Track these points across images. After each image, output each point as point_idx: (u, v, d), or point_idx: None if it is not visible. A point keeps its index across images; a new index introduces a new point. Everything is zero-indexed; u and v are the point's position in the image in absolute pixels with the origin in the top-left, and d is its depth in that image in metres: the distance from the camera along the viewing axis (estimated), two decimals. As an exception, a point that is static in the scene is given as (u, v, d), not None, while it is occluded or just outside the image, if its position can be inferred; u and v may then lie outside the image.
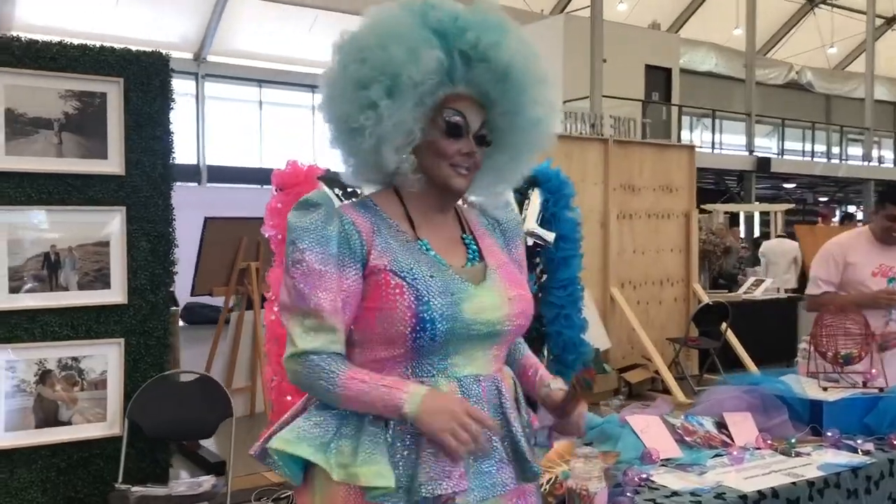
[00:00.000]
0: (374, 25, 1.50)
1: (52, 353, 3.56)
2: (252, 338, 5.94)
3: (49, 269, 3.57)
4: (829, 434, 2.58)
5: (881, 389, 2.82)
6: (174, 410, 3.66)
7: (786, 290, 9.88)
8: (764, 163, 18.31)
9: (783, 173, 19.55)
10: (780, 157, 20.31)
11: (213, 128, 18.05)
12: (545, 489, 2.03)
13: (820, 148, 21.84)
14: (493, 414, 1.53)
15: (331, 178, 3.37)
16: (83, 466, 3.63)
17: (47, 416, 3.55)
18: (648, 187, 7.74)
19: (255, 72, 18.42)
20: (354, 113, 1.47)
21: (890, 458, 2.45)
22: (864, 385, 2.86)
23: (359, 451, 1.45)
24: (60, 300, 3.57)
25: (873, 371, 2.88)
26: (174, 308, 5.65)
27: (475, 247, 1.62)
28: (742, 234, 16.07)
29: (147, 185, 3.74)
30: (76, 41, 3.75)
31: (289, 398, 3.26)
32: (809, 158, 21.28)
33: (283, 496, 3.92)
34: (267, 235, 3.50)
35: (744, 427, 2.61)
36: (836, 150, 22.01)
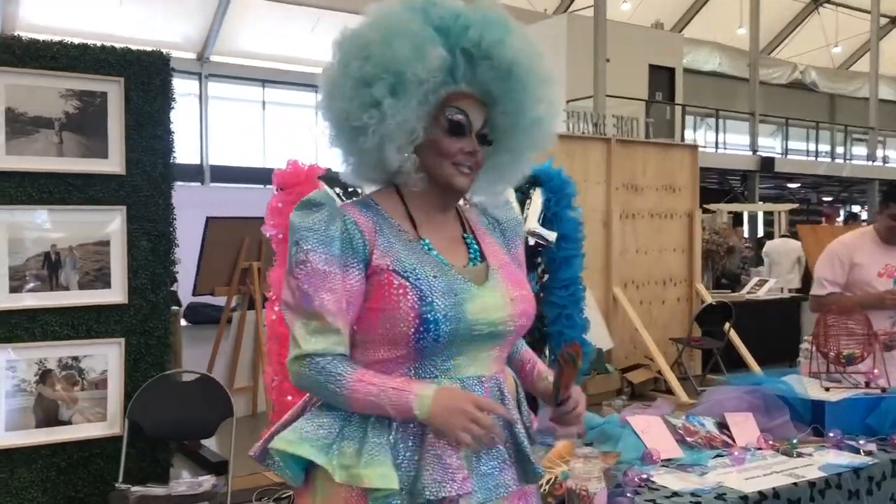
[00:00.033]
0: (377, 22, 1.48)
1: (53, 352, 3.56)
2: (254, 337, 5.94)
3: (49, 268, 3.57)
4: (831, 434, 2.57)
5: (884, 389, 2.81)
6: (174, 410, 3.66)
7: (789, 290, 9.86)
8: (768, 162, 18.27)
9: (787, 173, 19.50)
10: (783, 156, 20.27)
11: (217, 128, 18.05)
12: (545, 490, 2.02)
13: (824, 148, 21.78)
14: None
15: (331, 178, 3.37)
16: (83, 466, 3.62)
17: (48, 415, 3.55)
18: (651, 187, 7.73)
19: (258, 72, 18.41)
20: (356, 111, 1.46)
21: (892, 458, 2.44)
22: (867, 385, 2.85)
23: (362, 452, 1.43)
24: (61, 300, 3.57)
25: (876, 371, 2.87)
26: (176, 308, 5.68)
27: (476, 246, 1.61)
28: (746, 234, 16.02)
29: (148, 184, 3.74)
30: (80, 41, 3.75)
31: (289, 398, 3.26)
32: (813, 158, 21.22)
33: (284, 496, 3.91)
34: (268, 235, 3.50)
35: (745, 427, 2.60)
36: (840, 149, 21.95)
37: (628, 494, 2.09)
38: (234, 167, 17.30)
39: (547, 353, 3.95)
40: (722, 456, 2.43)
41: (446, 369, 1.49)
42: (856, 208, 22.22)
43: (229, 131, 18.07)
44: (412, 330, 1.44)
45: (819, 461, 2.39)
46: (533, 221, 4.00)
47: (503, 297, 1.54)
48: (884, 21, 23.21)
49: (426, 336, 1.44)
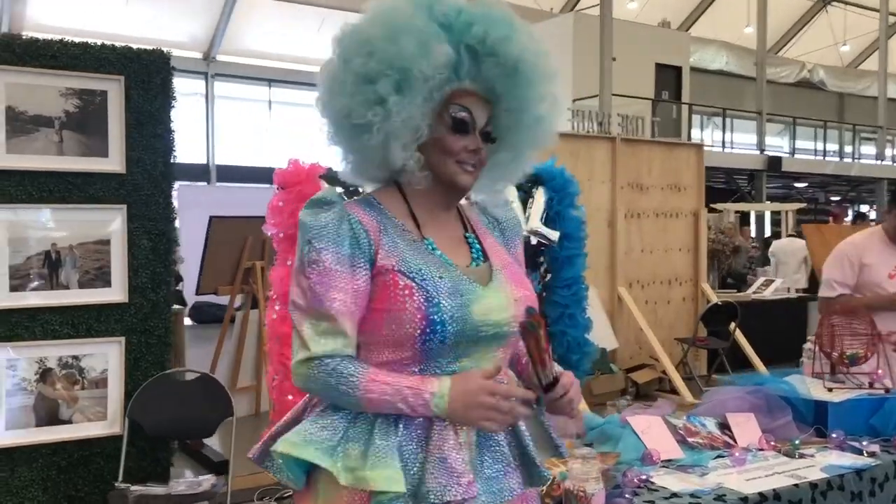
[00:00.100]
0: (380, 18, 1.46)
1: (53, 351, 3.55)
2: (257, 337, 5.93)
3: (50, 267, 3.56)
4: (834, 435, 2.54)
5: (887, 390, 2.78)
6: (175, 409, 3.65)
7: (796, 290, 9.82)
8: (775, 162, 18.21)
9: (794, 172, 19.44)
10: (791, 156, 20.19)
11: (223, 127, 18.10)
12: (542, 490, 2.00)
13: (832, 147, 21.70)
14: None
15: (332, 177, 3.36)
16: (84, 465, 3.62)
17: (48, 414, 3.55)
18: (657, 186, 7.69)
19: (265, 71, 18.45)
20: (360, 108, 1.43)
21: (895, 459, 2.41)
22: (871, 386, 2.82)
23: (368, 454, 1.41)
24: (61, 298, 3.57)
25: (879, 371, 2.84)
26: (179, 307, 5.68)
27: (479, 246, 1.59)
28: (753, 234, 15.99)
29: (148, 183, 3.73)
30: (81, 40, 3.75)
31: (290, 397, 3.25)
32: (821, 157, 21.14)
33: (286, 496, 3.90)
34: (269, 234, 3.50)
35: (747, 428, 2.58)
36: (848, 148, 21.87)
37: (627, 495, 2.07)
38: (240, 167, 17.35)
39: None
40: (723, 457, 2.41)
41: (451, 372, 1.46)
42: (864, 208, 22.13)
43: (235, 131, 18.12)
44: (418, 331, 1.42)
45: (821, 462, 2.36)
46: (535, 220, 3.99)
47: (507, 298, 1.51)
48: (892, 19, 23.06)
49: (433, 338, 1.42)
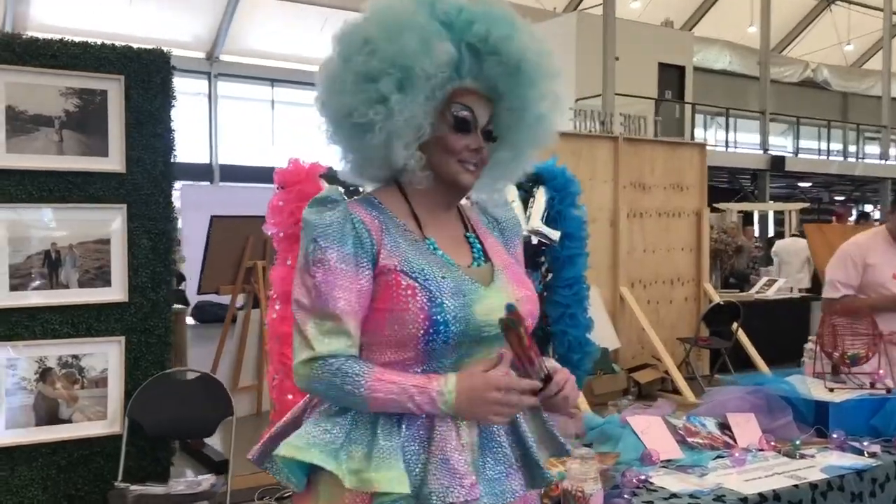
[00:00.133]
0: (380, 16, 1.44)
1: (53, 350, 3.55)
2: (259, 336, 5.93)
3: (50, 266, 3.56)
4: (835, 436, 2.53)
5: (889, 390, 2.77)
6: (175, 409, 3.65)
7: (799, 290, 9.79)
8: (778, 161, 18.18)
9: (798, 172, 19.40)
10: (795, 155, 20.16)
11: (226, 127, 18.12)
12: (541, 491, 1.99)
13: (836, 146, 21.66)
14: None
15: (333, 177, 3.35)
16: (84, 464, 3.62)
17: (48, 413, 3.55)
18: (659, 185, 7.68)
19: (268, 71, 18.46)
20: (361, 107, 1.42)
21: (896, 460, 2.40)
22: (872, 386, 2.81)
23: (371, 455, 1.40)
24: (61, 298, 3.57)
25: (881, 371, 2.83)
26: (180, 307, 5.69)
27: (479, 246, 1.58)
28: (756, 234, 15.95)
29: (148, 182, 3.73)
30: (81, 39, 3.75)
31: (290, 397, 3.25)
32: (825, 157, 21.10)
33: (286, 495, 3.89)
34: (269, 233, 3.49)
35: (747, 428, 2.57)
36: (852, 148, 21.83)
37: (626, 496, 2.06)
38: (243, 167, 17.36)
39: (551, 352, 3.92)
40: (723, 457, 2.40)
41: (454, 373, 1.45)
42: (868, 207, 22.08)
43: (238, 130, 18.13)
44: (421, 332, 1.41)
45: (821, 463, 2.35)
46: (536, 220, 3.98)
47: (509, 298, 1.50)
48: (897, 19, 23.04)
49: (435, 338, 1.41)
